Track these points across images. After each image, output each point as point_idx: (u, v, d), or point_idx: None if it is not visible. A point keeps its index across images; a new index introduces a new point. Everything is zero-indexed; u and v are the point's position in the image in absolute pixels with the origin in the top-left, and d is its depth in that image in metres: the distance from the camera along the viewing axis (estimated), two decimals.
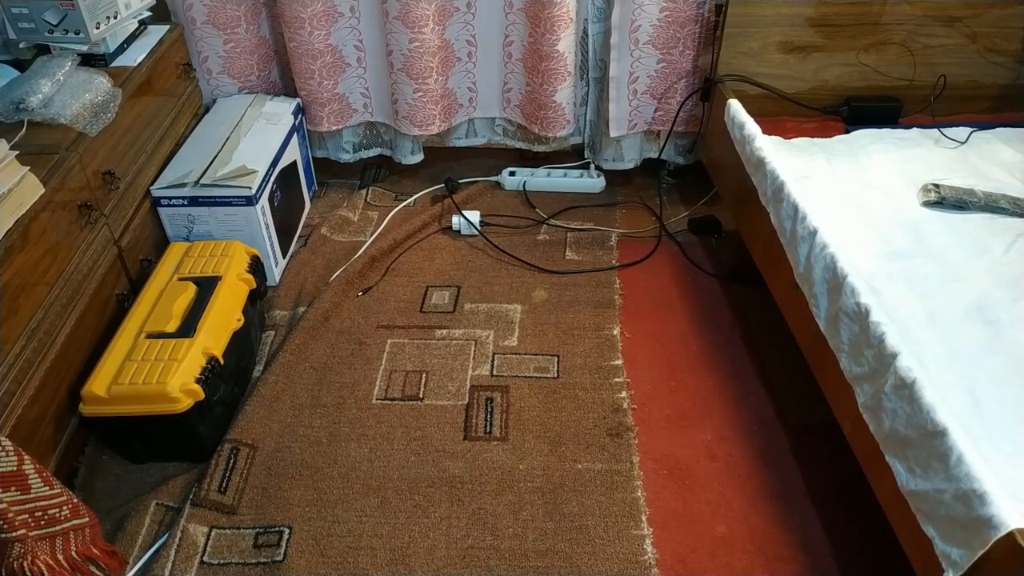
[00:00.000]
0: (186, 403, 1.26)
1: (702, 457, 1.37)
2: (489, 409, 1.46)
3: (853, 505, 1.28)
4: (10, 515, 0.95)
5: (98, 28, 1.55)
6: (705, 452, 1.38)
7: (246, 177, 1.64)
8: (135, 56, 1.67)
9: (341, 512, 1.27)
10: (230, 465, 1.33)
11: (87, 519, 1.09)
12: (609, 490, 1.31)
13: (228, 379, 1.40)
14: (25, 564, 0.97)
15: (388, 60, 1.95)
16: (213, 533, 1.24)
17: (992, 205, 1.43)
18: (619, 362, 1.57)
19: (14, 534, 0.96)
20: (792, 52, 1.77)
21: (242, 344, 1.48)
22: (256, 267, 1.60)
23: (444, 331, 1.66)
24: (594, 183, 2.13)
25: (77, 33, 1.52)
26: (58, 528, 1.03)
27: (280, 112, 1.92)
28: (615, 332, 1.65)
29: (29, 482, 1.00)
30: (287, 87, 2.08)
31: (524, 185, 2.14)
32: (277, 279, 1.79)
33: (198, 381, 1.28)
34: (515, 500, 1.29)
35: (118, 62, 1.64)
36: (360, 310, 1.72)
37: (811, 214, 1.29)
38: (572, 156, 2.25)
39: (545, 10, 1.82)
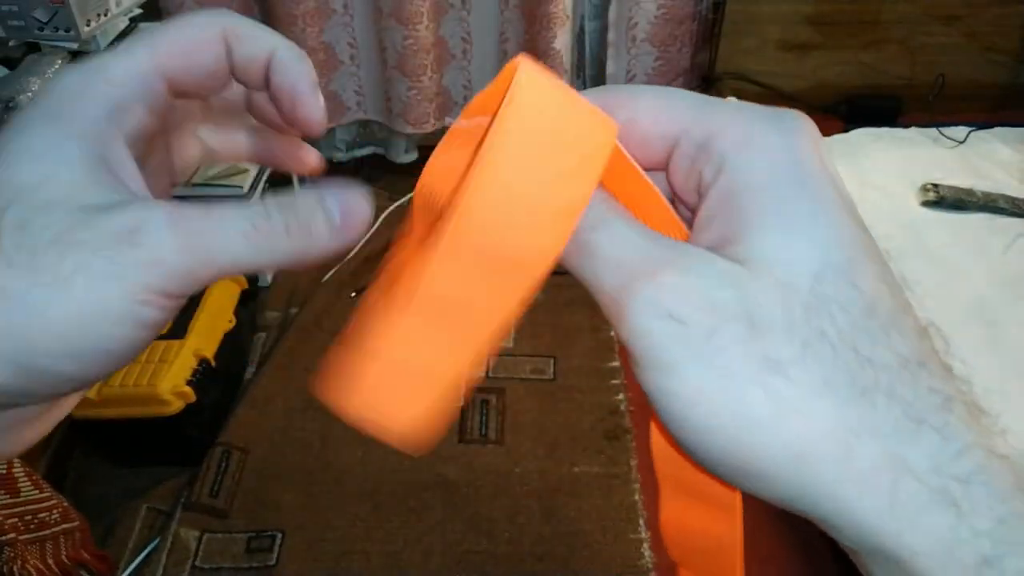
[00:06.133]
0: (177, 405, 1.24)
1: None
2: (484, 412, 1.44)
3: None
4: None
5: (88, 25, 1.53)
6: None
7: (238, 176, 1.62)
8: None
9: (334, 517, 1.25)
10: (222, 468, 1.32)
11: (77, 523, 1.08)
12: (607, 493, 1.29)
13: (219, 381, 1.38)
14: (15, 568, 0.96)
15: (382, 57, 1.93)
16: (205, 537, 1.22)
17: (991, 205, 1.42)
18: (617, 364, 1.56)
19: (3, 538, 0.94)
20: (791, 50, 1.75)
21: (233, 346, 1.47)
22: None
23: None
24: None
25: (67, 31, 1.50)
26: (48, 532, 1.02)
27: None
28: (612, 333, 1.63)
29: (18, 485, 0.99)
30: None
31: None
32: (269, 279, 1.78)
33: (189, 383, 1.26)
34: (511, 504, 1.28)
35: None
36: (353, 311, 1.70)
37: None
38: None
39: (541, 7, 1.80)
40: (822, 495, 0.18)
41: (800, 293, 0.18)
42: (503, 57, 1.99)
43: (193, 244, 0.20)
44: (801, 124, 0.21)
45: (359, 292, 1.76)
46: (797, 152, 0.20)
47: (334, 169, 2.20)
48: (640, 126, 0.22)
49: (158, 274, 0.20)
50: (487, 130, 0.19)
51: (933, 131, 1.69)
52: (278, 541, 1.22)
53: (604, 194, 0.21)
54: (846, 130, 1.73)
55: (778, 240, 0.19)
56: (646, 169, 0.22)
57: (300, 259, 0.23)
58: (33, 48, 1.54)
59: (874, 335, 0.18)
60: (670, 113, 0.22)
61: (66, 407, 0.25)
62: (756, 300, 0.18)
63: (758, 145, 0.20)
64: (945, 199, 1.43)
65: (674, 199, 0.23)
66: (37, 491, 1.01)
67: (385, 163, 2.19)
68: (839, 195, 0.20)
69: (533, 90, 0.19)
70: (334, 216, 0.23)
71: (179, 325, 1.35)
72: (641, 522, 1.25)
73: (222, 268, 0.21)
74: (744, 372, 0.18)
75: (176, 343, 1.30)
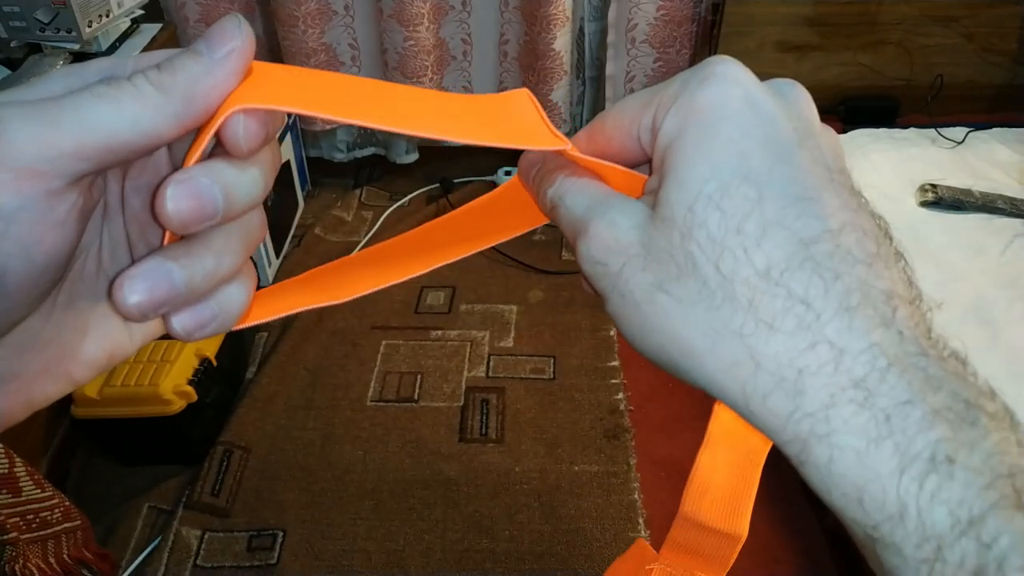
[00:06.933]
0: (179, 405, 1.25)
1: None
2: (485, 411, 1.45)
3: None
4: (1, 518, 0.94)
5: (90, 27, 1.54)
6: None
7: None
8: (127, 55, 1.65)
9: (335, 515, 1.26)
10: (223, 468, 1.32)
11: (79, 522, 1.08)
12: (606, 492, 1.30)
13: (221, 381, 1.39)
14: (17, 568, 0.96)
15: (383, 59, 1.93)
16: (206, 536, 1.23)
17: (989, 205, 1.43)
18: (616, 363, 1.56)
19: (5, 537, 0.95)
20: (789, 52, 1.76)
21: (235, 345, 1.47)
22: None
23: (439, 332, 1.65)
24: None
25: (69, 32, 1.51)
26: (50, 531, 1.02)
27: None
28: (612, 333, 1.64)
29: (20, 484, 0.99)
30: None
31: None
32: (270, 279, 1.78)
33: (191, 383, 1.27)
34: (511, 503, 1.28)
35: None
36: (354, 311, 1.71)
37: None
38: None
39: (541, 8, 1.81)
40: (711, 383, 0.22)
41: (677, 224, 0.22)
42: (503, 58, 1.99)
43: (43, 116, 0.20)
44: (713, 70, 0.23)
45: None
46: (696, 101, 0.23)
47: (335, 169, 2.21)
48: (613, 140, 0.26)
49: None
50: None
51: (931, 132, 1.70)
52: (279, 540, 1.22)
53: (570, 175, 0.27)
54: (845, 131, 1.74)
55: (669, 184, 0.23)
56: (638, 166, 0.27)
57: (183, 104, 0.22)
58: (35, 49, 1.54)
59: (736, 252, 0.21)
60: (623, 114, 0.26)
61: (31, 393, 0.23)
62: (652, 236, 0.23)
63: (676, 104, 0.23)
64: (943, 200, 1.43)
65: None
66: (39, 490, 1.01)
67: (386, 164, 2.20)
68: (737, 126, 0.23)
69: (521, 98, 0.28)
70: (200, 47, 0.22)
71: None
72: (640, 521, 1.25)
73: (87, 135, 0.20)
74: (640, 294, 0.23)
75: (178, 343, 1.31)
